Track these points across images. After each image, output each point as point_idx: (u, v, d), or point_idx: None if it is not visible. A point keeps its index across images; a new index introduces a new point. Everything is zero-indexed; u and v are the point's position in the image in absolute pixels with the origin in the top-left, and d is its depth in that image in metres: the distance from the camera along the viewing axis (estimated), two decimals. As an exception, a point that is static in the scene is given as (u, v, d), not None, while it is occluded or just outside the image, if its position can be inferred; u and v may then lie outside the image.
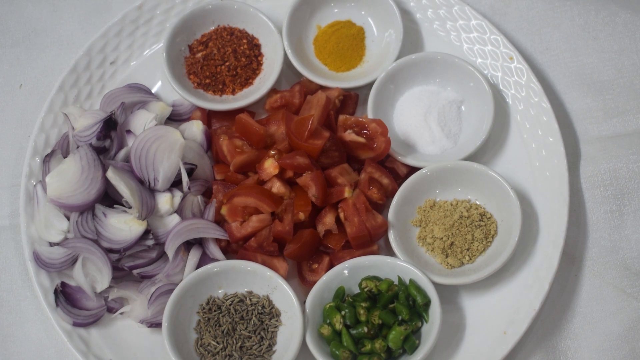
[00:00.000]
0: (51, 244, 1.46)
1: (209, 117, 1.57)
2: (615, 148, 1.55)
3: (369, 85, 1.54)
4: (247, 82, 1.60)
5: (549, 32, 1.64)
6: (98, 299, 1.45)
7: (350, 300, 1.39)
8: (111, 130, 1.48)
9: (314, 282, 1.41)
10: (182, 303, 1.41)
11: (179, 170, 1.46)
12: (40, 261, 1.45)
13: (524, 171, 1.51)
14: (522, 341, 1.42)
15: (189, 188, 1.47)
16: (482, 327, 1.42)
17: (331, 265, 1.44)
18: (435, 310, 1.36)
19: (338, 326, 1.37)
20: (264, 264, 1.42)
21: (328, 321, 1.39)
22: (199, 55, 1.60)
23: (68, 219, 1.45)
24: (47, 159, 1.49)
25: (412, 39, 1.61)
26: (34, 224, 1.48)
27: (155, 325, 1.43)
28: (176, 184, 1.47)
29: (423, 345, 1.35)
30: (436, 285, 1.38)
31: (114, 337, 1.45)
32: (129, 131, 1.51)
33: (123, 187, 1.40)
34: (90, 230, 1.43)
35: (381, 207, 1.48)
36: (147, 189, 1.44)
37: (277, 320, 1.42)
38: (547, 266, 1.42)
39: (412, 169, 1.49)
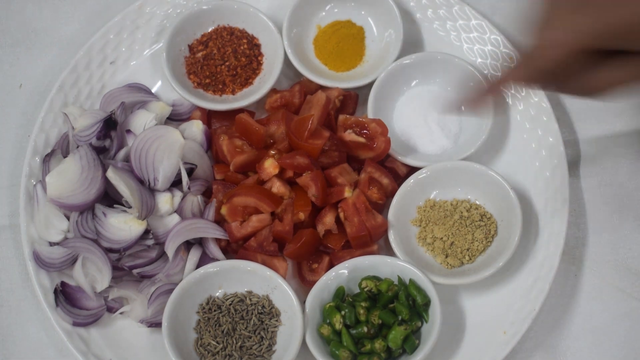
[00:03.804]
0: (51, 244, 1.46)
1: (209, 117, 1.57)
2: (615, 148, 1.55)
3: (369, 85, 1.54)
4: (247, 82, 1.60)
5: (549, 32, 1.64)
6: (98, 298, 1.45)
7: (350, 300, 1.39)
8: (111, 130, 1.48)
9: (314, 282, 1.41)
10: (182, 303, 1.41)
11: (179, 170, 1.46)
12: (40, 261, 1.45)
13: (524, 171, 1.51)
14: (522, 341, 1.42)
15: (189, 188, 1.47)
16: (482, 327, 1.43)
17: (331, 265, 1.44)
18: (435, 310, 1.36)
19: (338, 326, 1.37)
20: (264, 263, 1.42)
21: (328, 321, 1.39)
22: (199, 55, 1.60)
23: (68, 218, 1.45)
24: (47, 158, 1.50)
25: (412, 39, 1.61)
26: (33, 224, 1.48)
27: (155, 325, 1.43)
28: (176, 183, 1.47)
29: (423, 345, 1.35)
30: (436, 285, 1.38)
31: (114, 337, 1.45)
32: (128, 131, 1.51)
33: (123, 187, 1.40)
34: (90, 230, 1.43)
35: (381, 207, 1.48)
36: (147, 188, 1.44)
37: (277, 320, 1.42)
38: (547, 266, 1.42)
39: (412, 169, 1.49)
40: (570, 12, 1.01)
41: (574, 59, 1.03)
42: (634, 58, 1.03)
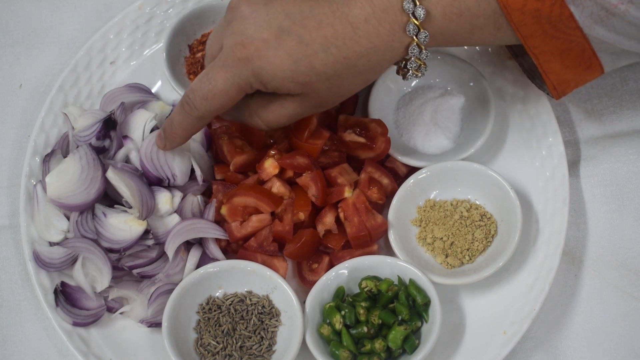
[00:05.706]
0: (51, 244, 1.46)
1: (209, 117, 1.57)
2: (615, 148, 1.55)
3: (369, 85, 1.54)
4: (247, 82, 1.59)
5: (549, 32, 1.64)
6: (98, 298, 1.45)
7: (350, 300, 1.39)
8: (111, 130, 1.48)
9: (314, 282, 1.41)
10: (182, 303, 1.41)
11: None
12: (40, 261, 1.45)
13: (524, 171, 1.51)
14: (522, 341, 1.42)
15: (204, 181, 1.46)
16: (482, 327, 1.42)
17: (331, 265, 1.44)
18: (435, 310, 1.36)
19: (338, 326, 1.37)
20: (264, 263, 1.42)
21: (328, 321, 1.39)
22: (199, 55, 1.60)
23: (68, 218, 1.45)
24: (47, 158, 1.50)
25: (412, 39, 1.61)
26: (33, 224, 1.48)
27: (155, 325, 1.43)
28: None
29: (423, 345, 1.35)
30: (436, 285, 1.38)
31: (114, 337, 1.45)
32: (125, 137, 1.50)
33: (123, 187, 1.40)
34: (90, 230, 1.43)
35: (381, 207, 1.48)
36: (148, 188, 1.44)
37: (277, 320, 1.42)
38: (547, 266, 1.42)
39: (412, 169, 1.49)
40: (222, 66, 1.21)
41: (237, 100, 1.24)
42: (289, 98, 1.24)
